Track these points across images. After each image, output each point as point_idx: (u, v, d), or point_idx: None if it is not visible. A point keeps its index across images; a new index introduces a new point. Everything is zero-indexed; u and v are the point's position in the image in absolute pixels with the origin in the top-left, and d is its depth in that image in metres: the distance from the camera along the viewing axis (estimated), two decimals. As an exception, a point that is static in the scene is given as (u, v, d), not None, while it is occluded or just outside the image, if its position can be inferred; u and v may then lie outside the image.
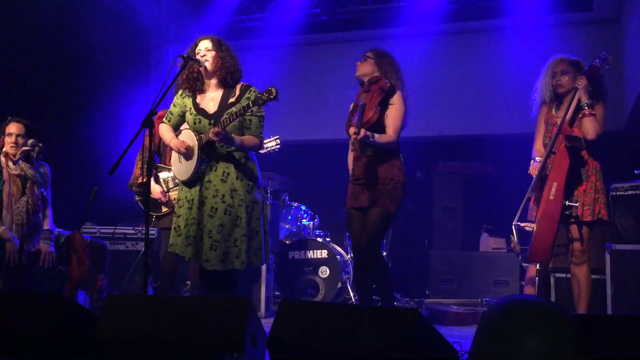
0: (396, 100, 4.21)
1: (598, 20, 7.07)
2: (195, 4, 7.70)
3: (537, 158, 4.39)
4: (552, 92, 4.38)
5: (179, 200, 3.92)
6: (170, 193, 4.62)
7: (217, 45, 3.88)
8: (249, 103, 3.69)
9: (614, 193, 4.70)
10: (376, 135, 4.07)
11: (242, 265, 3.75)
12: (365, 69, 4.35)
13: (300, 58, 8.05)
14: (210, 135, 3.66)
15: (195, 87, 3.92)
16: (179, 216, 3.87)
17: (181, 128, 4.06)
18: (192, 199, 3.82)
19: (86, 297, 4.64)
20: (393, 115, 4.18)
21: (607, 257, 4.59)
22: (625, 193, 4.65)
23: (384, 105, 4.22)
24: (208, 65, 3.84)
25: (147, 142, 3.39)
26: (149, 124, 3.37)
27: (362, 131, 3.99)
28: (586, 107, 4.15)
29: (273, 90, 3.63)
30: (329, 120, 7.51)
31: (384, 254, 5.75)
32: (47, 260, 4.43)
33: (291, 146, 7.62)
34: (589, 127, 4.16)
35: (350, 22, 7.81)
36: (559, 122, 4.25)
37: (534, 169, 4.33)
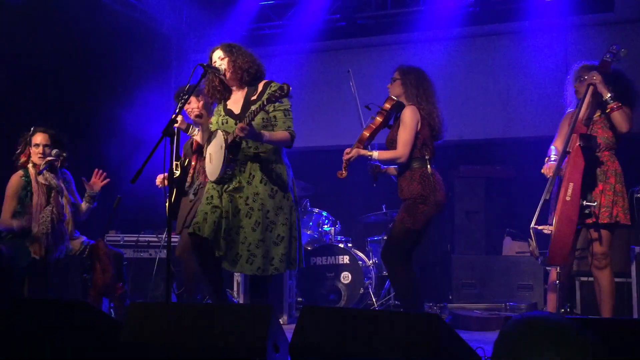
0: (405, 114, 4.21)
1: (619, 21, 7.00)
2: (215, 12, 7.75)
3: (551, 156, 4.33)
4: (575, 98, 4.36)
5: (207, 189, 3.89)
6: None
7: (228, 51, 3.92)
8: (263, 101, 3.67)
9: (638, 195, 4.65)
10: (375, 152, 4.18)
11: (257, 271, 3.72)
12: (395, 90, 4.35)
13: (320, 64, 8.08)
14: (237, 131, 3.62)
15: (222, 97, 3.99)
16: (207, 202, 3.80)
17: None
18: (220, 193, 3.81)
19: (110, 304, 4.69)
20: (401, 129, 4.19)
21: (633, 260, 4.53)
22: (650, 195, 4.60)
23: (395, 121, 4.31)
24: (224, 72, 3.89)
25: (170, 150, 3.42)
26: (170, 133, 3.40)
27: (355, 151, 4.17)
28: (611, 101, 4.06)
29: (285, 86, 3.62)
30: (349, 125, 7.47)
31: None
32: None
33: (312, 152, 7.65)
34: (621, 120, 4.04)
35: (369, 27, 7.80)
36: None
37: (548, 168, 4.27)
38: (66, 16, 6.30)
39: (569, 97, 4.42)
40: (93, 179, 4.80)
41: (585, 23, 7.12)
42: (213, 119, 4.05)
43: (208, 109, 4.56)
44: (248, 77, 3.92)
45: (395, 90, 4.33)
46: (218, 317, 2.65)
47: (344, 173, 4.24)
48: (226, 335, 2.58)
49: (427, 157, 4.16)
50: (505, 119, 7.31)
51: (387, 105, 4.29)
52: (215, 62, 3.92)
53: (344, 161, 4.20)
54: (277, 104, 3.78)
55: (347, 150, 4.21)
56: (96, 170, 4.83)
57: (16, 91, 5.81)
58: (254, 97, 3.88)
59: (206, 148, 4.01)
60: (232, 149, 3.77)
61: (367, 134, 4.29)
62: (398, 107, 4.28)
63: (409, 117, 4.16)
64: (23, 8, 5.74)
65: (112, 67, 6.86)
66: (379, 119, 4.30)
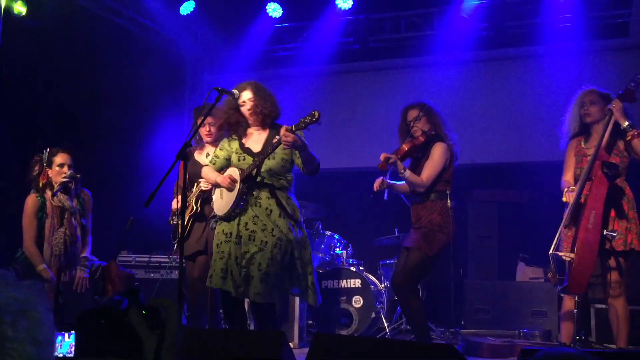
0: (437, 149, 4.45)
1: (634, 46, 6.97)
2: (230, 34, 7.81)
3: (570, 187, 4.30)
4: (580, 122, 4.35)
5: (216, 234, 3.98)
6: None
7: (255, 92, 4.00)
8: (292, 127, 3.72)
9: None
10: (408, 171, 4.36)
11: (275, 299, 3.89)
12: (423, 127, 4.55)
13: (334, 86, 8.10)
14: (282, 136, 3.65)
15: (239, 132, 4.03)
16: (215, 251, 3.95)
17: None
18: (230, 232, 3.86)
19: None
20: (430, 162, 4.43)
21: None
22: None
23: (424, 152, 4.50)
24: (248, 113, 3.95)
25: (181, 173, 3.43)
26: (184, 156, 3.41)
27: (394, 156, 4.31)
28: (630, 129, 4.06)
29: (316, 113, 3.68)
30: (362, 148, 7.52)
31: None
32: (81, 285, 4.47)
33: (325, 174, 7.60)
34: None
35: (383, 50, 7.83)
36: (589, 153, 4.20)
37: (569, 196, 4.24)
38: (81, 37, 6.37)
39: (572, 121, 4.41)
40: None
41: (600, 48, 7.11)
42: (221, 153, 4.06)
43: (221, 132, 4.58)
44: (269, 120, 3.99)
45: (424, 127, 4.51)
46: (230, 343, 2.63)
47: (386, 166, 4.37)
48: (237, 362, 2.56)
49: (448, 192, 4.43)
50: (518, 143, 7.28)
51: (422, 139, 4.49)
52: (244, 102, 3.98)
53: (383, 159, 4.32)
54: (300, 133, 3.84)
55: (388, 155, 4.35)
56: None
57: (30, 112, 5.87)
58: (276, 140, 3.91)
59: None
60: (246, 182, 3.82)
61: (406, 147, 4.46)
62: (426, 144, 4.50)
63: (440, 154, 4.43)
64: (41, 30, 5.81)
65: (126, 88, 6.90)
66: (417, 141, 4.49)
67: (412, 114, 4.59)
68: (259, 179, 3.87)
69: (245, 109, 3.99)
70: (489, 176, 7.57)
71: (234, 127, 4.03)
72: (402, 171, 4.34)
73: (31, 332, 1.07)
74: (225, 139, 4.12)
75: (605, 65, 6.84)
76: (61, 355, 2.14)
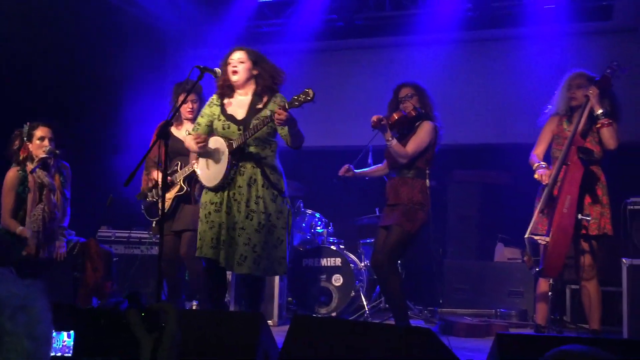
0: (424, 127, 4.48)
1: (617, 30, 6.99)
2: (213, 9, 7.72)
3: (542, 163, 4.36)
4: (568, 105, 4.38)
5: (203, 203, 3.94)
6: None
7: (252, 58, 3.93)
8: (285, 105, 3.69)
9: (632, 207, 4.67)
10: (395, 140, 4.37)
11: (263, 272, 3.84)
12: (412, 106, 4.57)
13: (317, 64, 8.04)
14: (276, 114, 3.63)
15: (225, 94, 3.97)
16: (202, 221, 3.90)
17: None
18: (220, 202, 3.84)
19: (98, 303, 4.67)
20: (416, 138, 4.46)
21: (624, 272, 4.55)
22: (643, 208, 4.61)
23: (410, 128, 4.51)
24: (235, 77, 3.88)
25: (162, 152, 3.40)
26: (165, 135, 3.38)
27: (385, 120, 4.32)
28: (602, 117, 4.12)
29: (310, 92, 3.66)
30: (344, 126, 7.51)
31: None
32: (58, 255, 4.45)
33: (307, 152, 7.60)
34: (609, 137, 4.14)
35: (367, 28, 7.79)
36: (569, 135, 4.23)
37: (545, 175, 4.26)
38: (61, 11, 6.24)
39: (559, 102, 4.46)
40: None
41: (583, 31, 7.11)
42: (203, 120, 4.01)
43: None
44: (263, 92, 3.93)
45: (412, 106, 4.53)
46: (208, 325, 2.63)
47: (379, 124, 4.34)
48: (216, 344, 2.56)
49: (427, 172, 4.47)
50: (500, 124, 7.30)
51: (413, 113, 4.49)
52: (231, 61, 3.90)
53: (376, 119, 4.32)
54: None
55: (379, 116, 4.34)
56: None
57: (9, 87, 5.77)
58: (260, 106, 3.88)
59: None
60: (236, 154, 3.80)
61: (396, 116, 4.45)
62: (414, 121, 4.51)
63: (427, 132, 4.46)
64: (19, 4, 5.69)
65: (107, 62, 6.80)
66: (408, 114, 4.48)
67: (405, 91, 4.61)
68: (245, 149, 3.85)
69: (234, 71, 3.90)
70: (471, 157, 7.60)
71: (226, 88, 3.96)
72: (390, 139, 4.35)
73: (29, 327, 1.10)
74: (207, 104, 4.05)
75: (588, 48, 6.86)
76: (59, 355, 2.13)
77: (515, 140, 7.14)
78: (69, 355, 1.86)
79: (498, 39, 7.49)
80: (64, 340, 1.83)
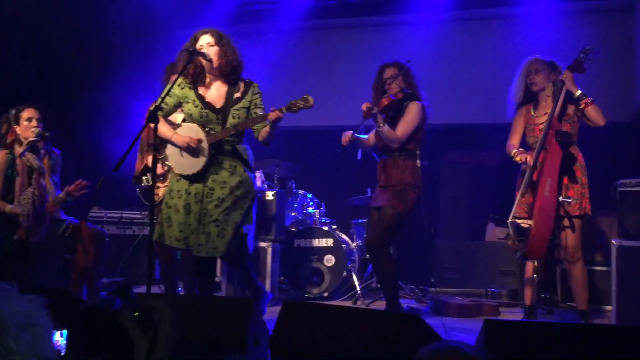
0: (413, 108, 4.48)
1: (611, 9, 6.98)
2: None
3: (520, 149, 4.41)
4: (525, 92, 4.47)
5: (171, 191, 3.91)
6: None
7: (218, 40, 3.85)
8: (283, 109, 3.74)
9: (622, 189, 4.68)
10: (386, 126, 4.38)
11: (229, 247, 3.83)
12: (399, 86, 4.56)
13: (309, 43, 8.00)
14: (273, 115, 3.69)
15: (198, 79, 3.90)
16: (170, 207, 3.87)
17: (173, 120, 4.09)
18: (195, 193, 3.82)
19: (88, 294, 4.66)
20: (405, 120, 4.46)
21: (613, 252, 4.58)
22: (633, 189, 4.63)
23: (398, 110, 4.49)
24: (212, 61, 3.83)
25: (150, 136, 3.39)
26: (154, 119, 3.36)
27: (376, 109, 4.31)
28: (584, 97, 4.18)
29: (310, 99, 3.70)
30: (336, 106, 7.48)
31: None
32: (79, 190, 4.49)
33: (298, 132, 7.61)
34: (596, 115, 4.21)
35: (359, 7, 7.73)
36: (539, 122, 4.36)
37: (527, 155, 4.28)
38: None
39: (517, 90, 4.51)
40: (73, 188, 4.50)
41: (576, 10, 7.09)
42: (170, 100, 3.89)
43: None
44: (234, 75, 3.90)
45: (400, 85, 4.52)
46: (198, 311, 2.65)
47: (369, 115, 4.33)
48: (206, 329, 2.58)
49: (417, 152, 4.49)
50: (492, 104, 7.25)
51: (400, 95, 4.48)
52: (202, 45, 3.85)
53: (366, 109, 4.31)
54: (258, 100, 3.89)
55: (369, 105, 4.35)
56: (80, 180, 4.55)
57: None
58: (238, 95, 3.87)
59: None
60: (214, 145, 3.80)
61: (386, 102, 4.44)
62: (401, 102, 4.49)
63: (416, 113, 4.47)
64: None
65: (97, 42, 6.74)
66: (396, 97, 4.45)
67: (390, 72, 4.58)
68: (224, 141, 3.86)
69: (208, 54, 3.81)
70: (462, 137, 7.60)
71: (197, 74, 3.87)
72: (382, 125, 4.36)
73: (34, 346, 1.11)
74: (177, 84, 3.86)
75: (582, 27, 6.84)
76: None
77: (506, 120, 7.14)
78: (62, 354, 1.86)
79: (490, 18, 7.45)
80: (57, 339, 1.83)
